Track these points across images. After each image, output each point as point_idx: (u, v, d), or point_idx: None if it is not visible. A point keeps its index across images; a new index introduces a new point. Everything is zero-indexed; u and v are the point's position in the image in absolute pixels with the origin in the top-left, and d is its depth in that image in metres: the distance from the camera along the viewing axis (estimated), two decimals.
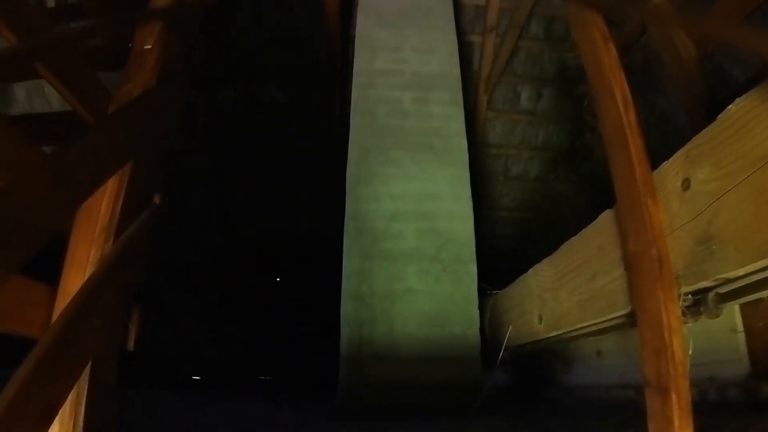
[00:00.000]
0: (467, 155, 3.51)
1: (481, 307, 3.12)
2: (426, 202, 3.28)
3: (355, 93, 3.68)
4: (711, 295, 1.19)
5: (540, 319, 2.31)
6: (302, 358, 7.40)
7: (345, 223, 3.25)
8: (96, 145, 1.38)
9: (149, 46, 1.73)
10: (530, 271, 2.48)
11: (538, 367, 3.08)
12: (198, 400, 4.57)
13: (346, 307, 3.03)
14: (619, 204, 1.47)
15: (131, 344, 1.43)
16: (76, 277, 1.33)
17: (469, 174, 3.43)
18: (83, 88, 1.51)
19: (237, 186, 7.10)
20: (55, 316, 1.25)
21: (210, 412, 3.50)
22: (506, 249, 6.85)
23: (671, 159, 1.33)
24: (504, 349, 2.87)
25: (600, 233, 1.70)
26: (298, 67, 6.18)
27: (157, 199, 1.72)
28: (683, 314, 1.24)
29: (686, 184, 1.23)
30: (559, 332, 2.12)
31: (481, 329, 3.06)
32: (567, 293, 1.96)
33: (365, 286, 3.06)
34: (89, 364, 1.19)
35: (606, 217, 1.67)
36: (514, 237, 6.88)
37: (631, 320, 1.50)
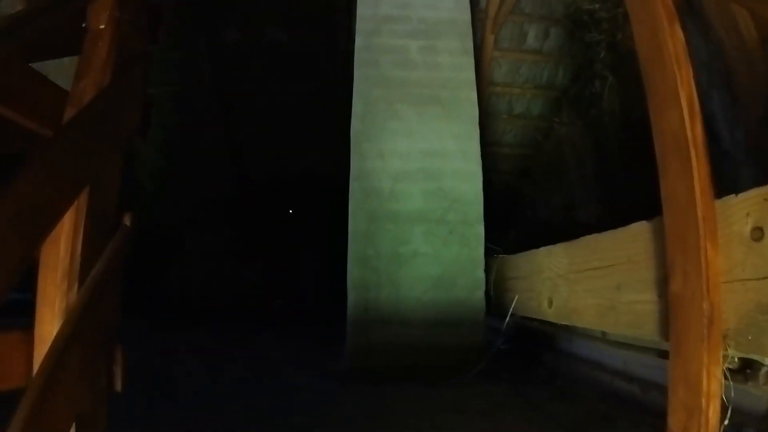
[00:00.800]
0: (477, 109, 3.22)
1: (487, 269, 2.98)
2: (432, 161, 3.05)
3: (358, 41, 3.32)
4: (764, 371, 1.00)
5: (550, 302, 2.16)
6: (312, 287, 7.41)
7: (350, 182, 3.04)
8: (50, 167, 1.12)
9: (103, 26, 1.42)
10: (542, 249, 2.29)
11: (540, 332, 2.99)
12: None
13: (352, 271, 2.90)
14: (668, 230, 1.19)
15: (119, 386, 1.26)
16: (50, 318, 1.13)
17: (478, 130, 3.17)
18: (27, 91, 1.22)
19: (245, 126, 6.91)
20: (35, 365, 1.08)
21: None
22: (506, 184, 6.69)
23: (741, 196, 1.06)
24: (510, 315, 2.76)
25: (631, 243, 1.48)
26: (300, 7, 5.82)
27: (127, 220, 1.48)
28: (725, 376, 1.04)
29: (758, 233, 0.98)
30: (569, 324, 1.97)
31: (486, 291, 2.94)
32: (584, 290, 1.79)
33: (371, 250, 2.90)
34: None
35: (641, 229, 1.43)
36: (514, 172, 6.69)
37: (659, 351, 1.33)
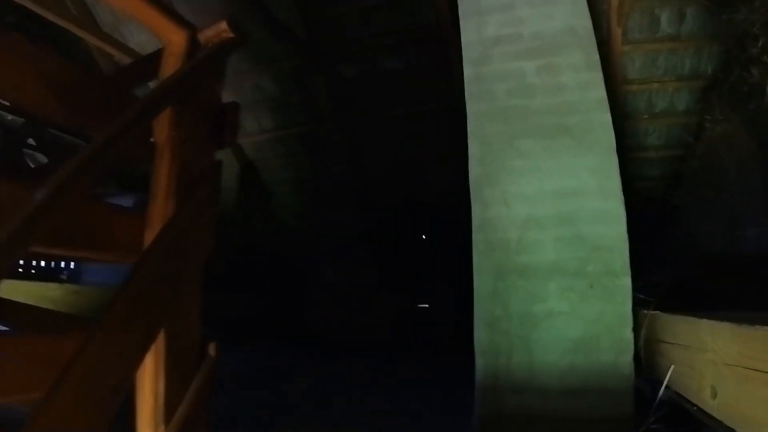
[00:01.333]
0: (613, 134, 2.74)
1: (635, 325, 2.50)
2: (566, 202, 2.63)
3: (467, 72, 3.00)
4: None
5: (713, 392, 1.69)
6: (447, 317, 7.22)
7: (473, 234, 2.73)
8: (125, 312, 1.04)
9: (163, 145, 1.31)
10: (704, 323, 1.81)
11: (700, 422, 2.43)
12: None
13: (480, 334, 2.58)
14: None
15: None
16: None
17: (616, 159, 2.68)
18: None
19: (372, 157, 6.97)
20: None
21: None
22: (651, 194, 5.95)
23: None
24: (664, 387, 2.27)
25: None
26: (408, 34, 5.72)
27: (212, 350, 1.35)
28: None
29: None
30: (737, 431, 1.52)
31: (635, 352, 2.47)
32: (762, 399, 1.34)
33: (499, 310, 2.57)
34: None
35: None
36: (662, 178, 5.91)
37: None
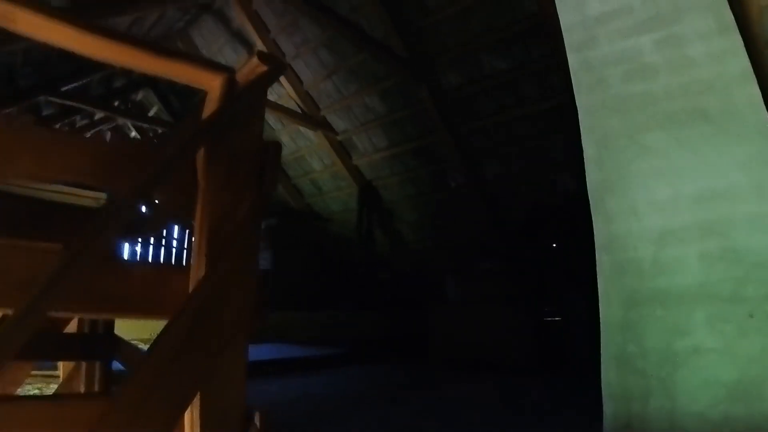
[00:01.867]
0: (765, 113, 2.09)
1: None
2: (711, 207, 2.04)
3: (572, 60, 2.52)
4: None
5: None
6: (583, 332, 6.54)
7: (596, 255, 2.27)
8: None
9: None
10: None
11: None
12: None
13: (608, 374, 2.11)
14: None
15: None
16: None
17: None
18: None
19: (490, 164, 6.59)
20: None
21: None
22: None
23: None
24: None
25: None
26: (510, 28, 5.32)
27: (257, 420, 1.14)
28: None
29: None
30: None
31: None
32: None
33: (632, 346, 2.07)
34: None
35: None
36: None
37: None
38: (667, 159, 2.20)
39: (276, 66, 1.68)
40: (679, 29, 2.24)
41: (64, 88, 7.21)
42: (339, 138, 7.82)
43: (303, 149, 8.60)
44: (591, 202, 2.38)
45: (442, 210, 7.66)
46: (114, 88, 9.20)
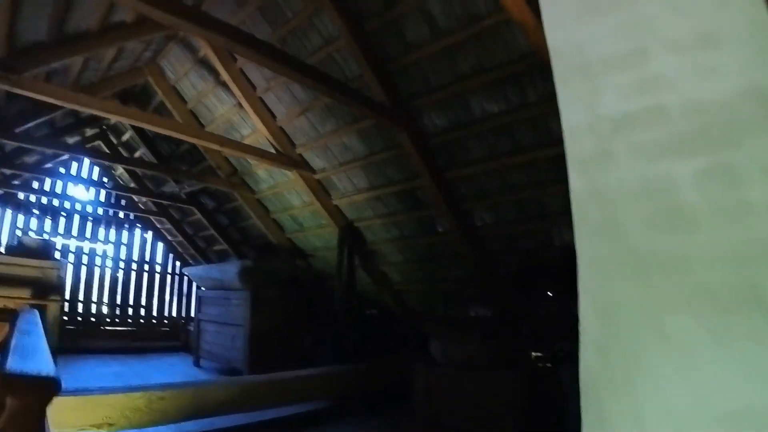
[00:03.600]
0: None
1: None
2: None
3: (574, 184, 1.60)
4: None
5: None
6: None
7: None
8: None
9: None
10: None
11: None
12: None
13: None
14: None
15: None
16: None
17: None
18: None
19: (479, 212, 5.87)
20: None
21: None
22: None
23: None
24: None
25: None
26: (503, 68, 4.48)
27: None
28: None
29: None
30: None
31: None
32: None
33: None
34: None
35: None
36: None
37: None
38: (695, 356, 1.35)
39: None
40: (735, 157, 1.37)
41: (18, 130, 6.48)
42: (317, 177, 7.02)
43: (281, 184, 7.81)
44: (582, 396, 1.54)
45: (430, 254, 6.86)
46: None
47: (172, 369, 8.57)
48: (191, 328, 8.95)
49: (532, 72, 4.40)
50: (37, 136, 7.93)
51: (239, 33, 4.11)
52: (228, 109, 7.23)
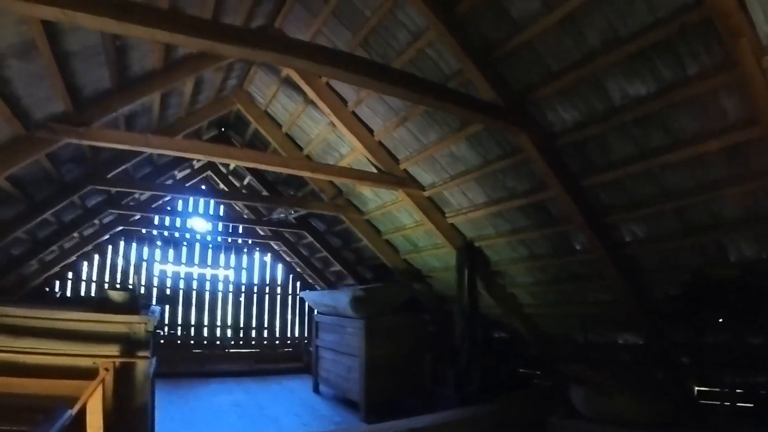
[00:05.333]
0: None
1: None
2: None
3: None
4: None
5: None
6: None
7: None
8: None
9: None
10: None
11: None
12: None
13: None
14: None
15: None
16: None
17: None
18: None
19: (625, 226, 4.81)
20: None
21: None
22: None
23: None
24: None
25: None
26: (642, 36, 3.38)
27: None
28: None
29: None
30: None
31: None
32: None
33: None
34: None
35: None
36: None
37: None
38: None
39: None
40: None
41: (110, 175, 6.65)
42: (426, 194, 6.27)
43: (389, 204, 7.19)
44: None
45: (565, 275, 5.77)
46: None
47: (292, 396, 8.37)
48: (312, 349, 8.69)
49: (691, 33, 3.24)
50: (139, 177, 8.27)
51: (307, 48, 3.53)
52: (322, 128, 6.77)
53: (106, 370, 3.98)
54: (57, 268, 9.54)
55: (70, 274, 10.30)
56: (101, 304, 4.38)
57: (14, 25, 3.25)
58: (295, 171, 6.00)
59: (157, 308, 5.10)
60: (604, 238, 4.87)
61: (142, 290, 10.65)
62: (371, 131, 6.02)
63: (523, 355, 7.27)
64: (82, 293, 10.20)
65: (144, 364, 4.20)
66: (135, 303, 4.43)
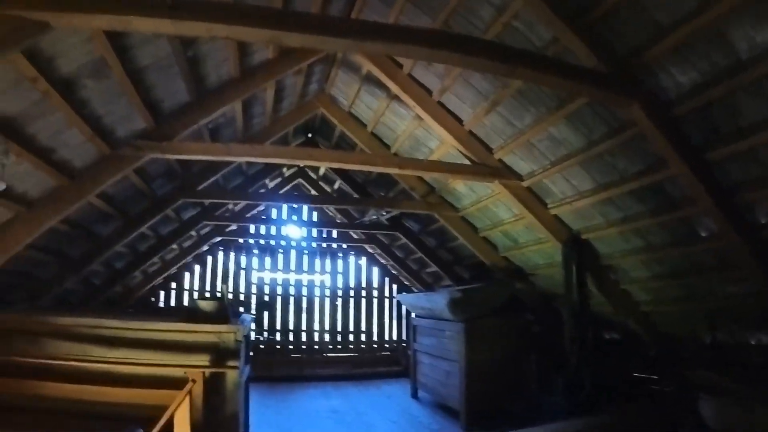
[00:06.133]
0: None
1: None
2: None
3: None
4: None
5: None
6: None
7: None
8: None
9: None
10: None
11: None
12: None
13: None
14: None
15: None
16: None
17: None
18: None
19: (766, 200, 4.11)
20: None
21: None
22: None
23: None
24: None
25: None
26: None
27: None
28: None
29: None
30: None
31: None
32: None
33: None
34: None
35: None
36: None
37: None
38: None
39: None
40: None
41: (200, 187, 6.96)
42: (525, 184, 5.86)
43: (484, 198, 6.85)
44: None
45: (688, 266, 5.11)
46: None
47: (389, 402, 8.22)
48: (411, 352, 8.54)
49: None
50: (230, 188, 8.60)
51: (389, 30, 3.37)
52: (408, 123, 6.57)
53: (193, 381, 4.06)
54: (160, 279, 10.23)
55: (173, 284, 11.03)
56: (191, 314, 4.47)
57: (82, 44, 3.36)
58: (382, 168, 5.87)
59: (248, 317, 5.17)
60: (737, 220, 4.21)
61: (238, 297, 11.10)
62: (460, 121, 5.73)
63: (638, 358, 6.57)
64: (185, 303, 10.84)
65: (234, 374, 4.23)
66: (225, 312, 4.48)
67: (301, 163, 6.87)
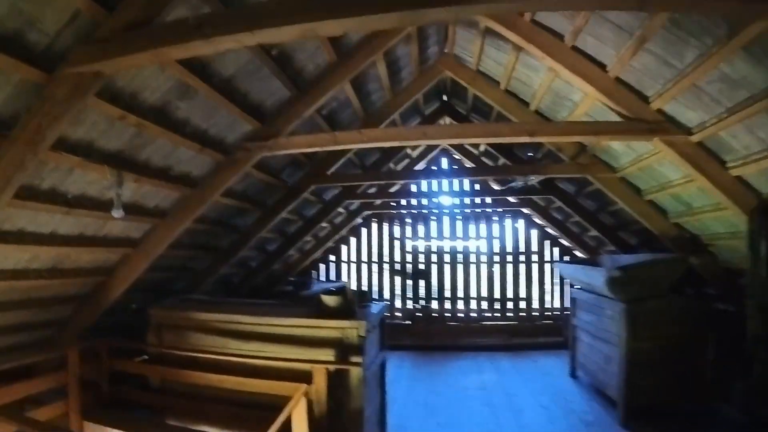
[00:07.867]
0: None
1: None
2: None
3: None
4: None
5: None
6: None
7: None
8: None
9: None
10: None
11: None
12: None
13: None
14: None
15: None
16: None
17: None
18: None
19: None
20: None
21: None
22: None
23: None
24: None
25: None
26: None
27: None
28: None
29: None
30: None
31: None
32: None
33: None
34: None
35: None
36: None
37: None
38: None
39: None
40: None
41: (329, 171, 6.96)
42: (694, 138, 4.58)
43: (645, 156, 5.61)
44: None
45: None
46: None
47: (544, 381, 7.55)
48: (571, 326, 7.74)
49: None
50: (369, 164, 8.41)
51: None
52: (544, 76, 5.53)
53: (310, 382, 4.11)
54: (318, 254, 10.76)
55: (332, 257, 11.57)
56: (318, 308, 4.55)
57: (157, 74, 3.42)
58: (510, 138, 5.11)
59: (379, 306, 5.01)
60: None
61: (362, 290, 11.19)
62: (603, 66, 4.62)
63: None
64: (343, 276, 11.51)
65: (357, 370, 4.21)
66: (349, 307, 4.44)
67: (412, 143, 6.40)
